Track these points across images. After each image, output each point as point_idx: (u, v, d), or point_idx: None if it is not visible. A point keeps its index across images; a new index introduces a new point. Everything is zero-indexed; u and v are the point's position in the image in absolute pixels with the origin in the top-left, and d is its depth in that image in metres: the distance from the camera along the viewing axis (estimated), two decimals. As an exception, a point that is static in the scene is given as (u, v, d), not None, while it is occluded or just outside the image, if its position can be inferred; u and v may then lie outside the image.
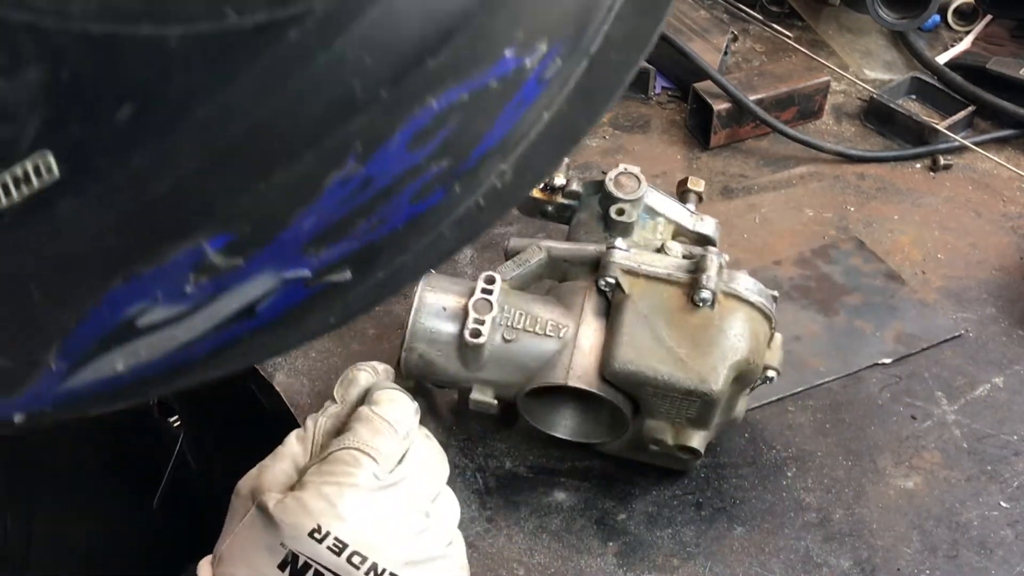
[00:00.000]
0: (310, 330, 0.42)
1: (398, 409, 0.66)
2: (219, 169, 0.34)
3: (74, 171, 0.32)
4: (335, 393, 0.71)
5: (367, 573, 0.60)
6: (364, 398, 0.69)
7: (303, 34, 0.33)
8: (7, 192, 0.32)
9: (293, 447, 0.67)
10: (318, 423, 0.68)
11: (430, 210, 0.40)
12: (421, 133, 0.37)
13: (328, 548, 0.59)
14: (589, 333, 0.74)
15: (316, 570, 0.60)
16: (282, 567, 0.60)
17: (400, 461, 0.65)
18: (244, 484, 0.65)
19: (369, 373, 0.71)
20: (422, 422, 0.70)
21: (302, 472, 0.64)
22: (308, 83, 0.34)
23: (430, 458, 0.68)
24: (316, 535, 0.60)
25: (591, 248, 0.78)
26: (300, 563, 0.60)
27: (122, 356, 0.38)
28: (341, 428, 0.67)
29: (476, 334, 0.73)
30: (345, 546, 0.60)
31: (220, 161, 0.34)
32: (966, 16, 1.29)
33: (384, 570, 0.60)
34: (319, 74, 0.34)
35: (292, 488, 0.63)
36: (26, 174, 0.32)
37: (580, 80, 0.42)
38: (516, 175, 0.41)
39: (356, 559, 0.60)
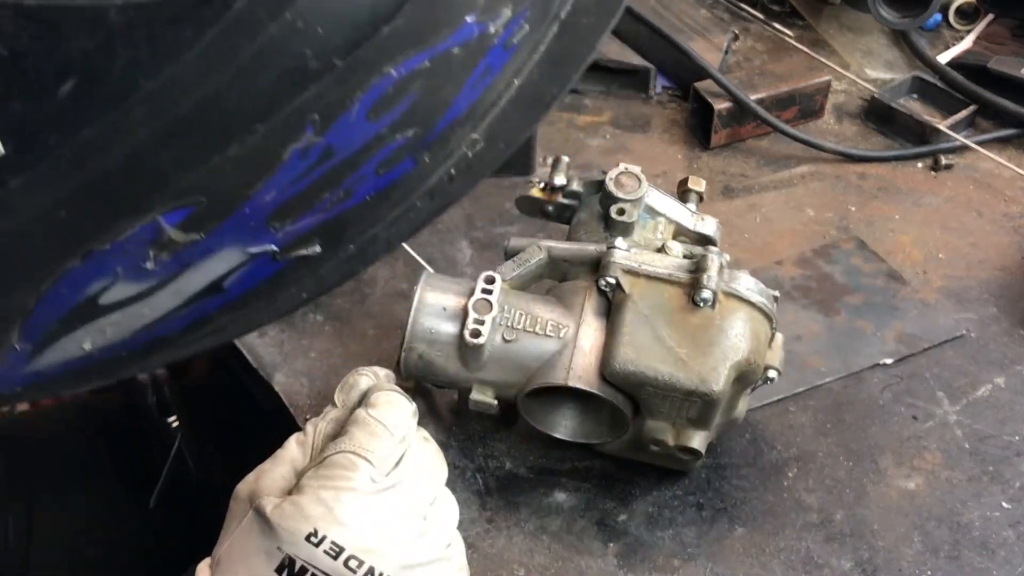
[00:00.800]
0: (283, 305, 0.41)
1: (395, 412, 0.66)
2: (170, 143, 0.34)
3: (20, 148, 0.32)
4: (336, 398, 0.70)
5: None
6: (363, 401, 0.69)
7: (250, 4, 0.32)
8: None
9: (292, 451, 0.67)
10: (318, 428, 0.68)
11: (399, 181, 0.39)
12: (382, 102, 0.36)
13: (325, 552, 0.59)
14: (589, 333, 0.74)
15: (313, 574, 0.59)
16: (279, 571, 0.60)
17: (397, 464, 0.65)
18: (242, 488, 0.65)
19: (370, 378, 0.71)
20: (421, 423, 0.70)
21: (300, 476, 0.64)
22: (257, 55, 0.33)
23: (428, 461, 0.67)
24: (313, 539, 0.59)
25: (591, 248, 0.78)
26: (297, 567, 0.59)
27: (88, 335, 0.38)
28: (341, 432, 0.67)
29: (476, 334, 0.73)
30: (342, 550, 0.59)
31: (171, 135, 0.33)
32: (967, 15, 1.28)
33: (381, 574, 0.60)
34: (268, 45, 0.33)
35: (290, 492, 0.63)
36: None
37: (550, 46, 0.41)
38: (487, 144, 0.41)
39: (353, 563, 0.60)
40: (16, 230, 0.34)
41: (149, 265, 0.36)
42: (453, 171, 0.40)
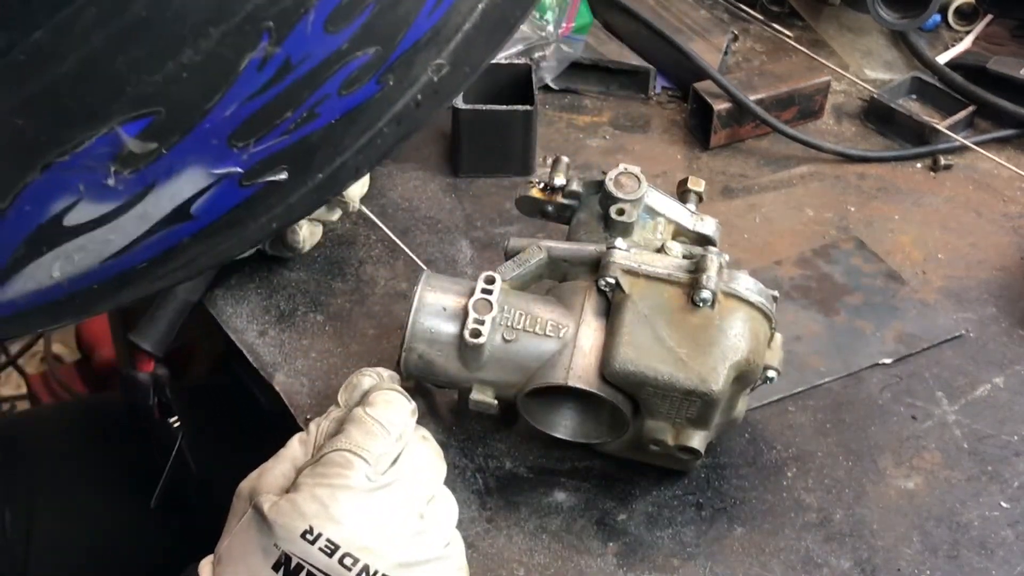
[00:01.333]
0: (252, 234, 0.40)
1: (392, 411, 0.66)
2: (124, 46, 0.33)
3: None
4: (339, 397, 0.71)
5: (359, 574, 0.60)
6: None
7: None
8: None
9: (295, 450, 0.67)
10: (320, 426, 0.68)
11: (365, 105, 0.39)
12: (338, 12, 0.36)
13: (320, 549, 0.59)
14: (589, 333, 0.74)
15: (308, 571, 0.60)
16: (276, 568, 0.60)
17: (394, 463, 0.65)
18: (245, 485, 0.65)
19: (372, 378, 0.71)
20: (422, 423, 0.70)
21: (300, 474, 0.64)
22: None
23: (426, 459, 0.68)
24: (308, 536, 0.60)
25: (591, 248, 0.78)
26: (293, 564, 0.60)
27: (57, 261, 0.37)
28: (339, 431, 0.67)
29: (476, 334, 0.73)
30: (337, 547, 0.60)
31: (124, 38, 0.33)
32: (967, 16, 1.28)
33: (376, 571, 0.60)
34: None
35: (288, 490, 0.63)
36: None
37: None
38: (452, 69, 0.40)
39: (348, 560, 0.60)
40: None
41: (111, 182, 0.36)
42: (419, 96, 0.40)
